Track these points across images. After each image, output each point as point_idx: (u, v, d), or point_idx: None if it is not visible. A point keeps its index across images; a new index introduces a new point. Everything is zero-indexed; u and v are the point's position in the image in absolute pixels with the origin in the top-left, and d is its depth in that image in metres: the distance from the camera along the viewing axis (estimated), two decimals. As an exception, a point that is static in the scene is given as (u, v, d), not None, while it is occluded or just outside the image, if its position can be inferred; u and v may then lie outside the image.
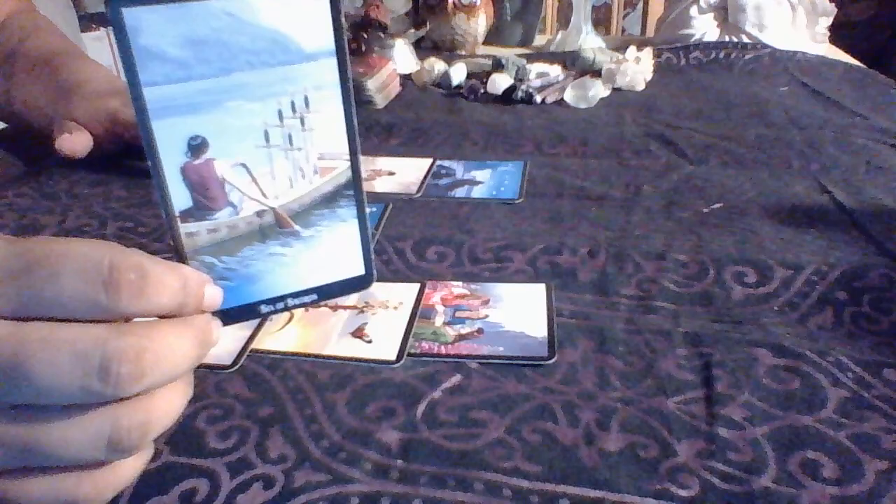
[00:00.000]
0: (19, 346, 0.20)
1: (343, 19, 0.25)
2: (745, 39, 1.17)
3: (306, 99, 0.25)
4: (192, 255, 0.25)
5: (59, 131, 0.61)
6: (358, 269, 0.29)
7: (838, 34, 1.27)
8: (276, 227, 0.26)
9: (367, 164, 0.67)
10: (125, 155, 0.65)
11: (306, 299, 0.28)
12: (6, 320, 0.21)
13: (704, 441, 0.32)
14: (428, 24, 1.22)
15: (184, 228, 0.25)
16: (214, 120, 0.24)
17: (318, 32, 0.25)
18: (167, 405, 0.23)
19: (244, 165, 0.25)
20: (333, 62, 0.25)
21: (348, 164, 0.27)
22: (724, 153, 0.70)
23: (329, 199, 0.27)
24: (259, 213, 0.26)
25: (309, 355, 0.38)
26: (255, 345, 0.39)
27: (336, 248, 0.28)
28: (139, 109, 0.23)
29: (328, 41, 0.25)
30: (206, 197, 0.25)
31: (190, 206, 0.25)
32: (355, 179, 0.27)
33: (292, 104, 0.25)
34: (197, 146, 0.24)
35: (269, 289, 0.27)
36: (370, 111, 0.86)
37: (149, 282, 0.22)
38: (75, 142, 0.60)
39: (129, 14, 0.21)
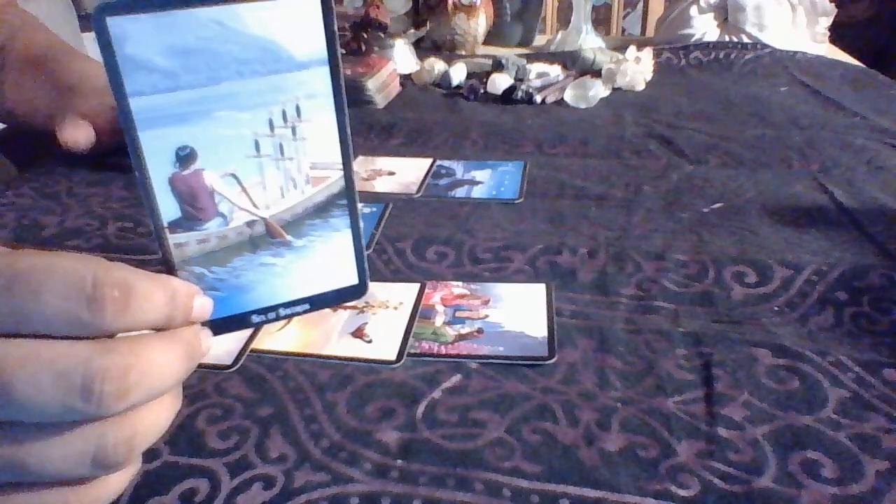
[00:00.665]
0: (0, 364, 0.20)
1: (335, 26, 0.25)
2: (745, 39, 1.17)
3: (298, 108, 0.25)
4: (181, 265, 0.25)
5: (61, 124, 0.61)
6: (351, 279, 0.28)
7: (838, 34, 1.27)
8: (268, 237, 0.26)
9: (367, 164, 0.67)
10: (126, 155, 0.65)
11: (298, 309, 0.27)
12: None
13: (704, 441, 0.32)
14: (428, 24, 1.22)
15: (173, 239, 0.24)
16: (203, 130, 0.23)
17: (309, 40, 0.24)
18: (154, 419, 0.23)
19: (234, 176, 0.25)
20: (326, 70, 0.25)
21: (341, 173, 0.27)
22: (724, 153, 0.70)
23: (321, 209, 0.27)
24: (249, 224, 0.26)
25: (309, 355, 0.38)
26: (255, 345, 0.39)
27: (329, 258, 0.27)
28: (125, 120, 0.22)
29: (320, 49, 0.24)
30: (195, 207, 0.24)
31: (179, 217, 0.24)
32: (348, 189, 0.27)
33: (283, 113, 0.25)
34: (185, 156, 0.24)
35: (261, 299, 0.26)
36: (370, 111, 0.86)
37: (133, 297, 0.21)
38: (78, 133, 0.60)
39: (114, 23, 0.21)
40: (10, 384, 0.20)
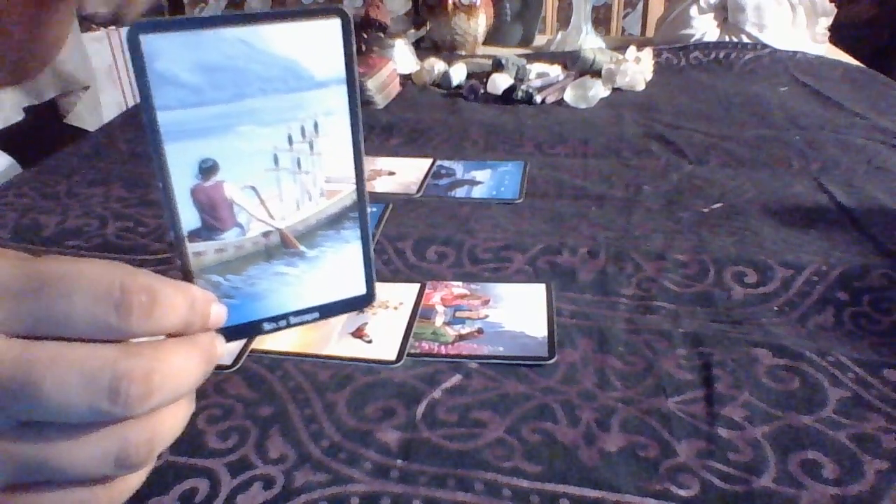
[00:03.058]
0: (29, 366, 0.20)
1: (354, 48, 0.26)
2: (745, 39, 1.17)
3: (316, 124, 0.26)
4: (198, 273, 0.26)
5: None
6: (359, 289, 0.29)
7: (838, 34, 1.27)
8: (282, 247, 0.27)
9: (368, 164, 0.67)
10: (127, 156, 0.65)
11: (308, 317, 0.28)
12: (17, 339, 0.21)
13: (704, 441, 0.32)
14: (428, 24, 1.22)
15: (192, 248, 0.25)
16: (225, 144, 0.24)
17: (329, 60, 0.25)
18: (172, 421, 0.23)
19: (253, 188, 0.25)
20: (344, 89, 0.26)
21: (354, 187, 0.28)
22: (724, 153, 0.70)
23: (334, 221, 0.28)
24: (265, 234, 0.26)
25: (309, 355, 0.38)
26: (255, 345, 0.39)
27: (339, 269, 0.28)
28: (152, 132, 0.23)
29: (339, 69, 0.25)
30: (214, 218, 0.25)
31: (198, 227, 0.25)
32: (360, 202, 0.28)
33: (302, 129, 0.25)
34: (208, 169, 0.24)
35: (273, 307, 0.27)
36: (370, 111, 0.86)
37: (158, 303, 0.22)
38: None
39: (147, 40, 0.22)
40: (40, 385, 0.20)
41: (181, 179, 0.24)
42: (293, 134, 0.25)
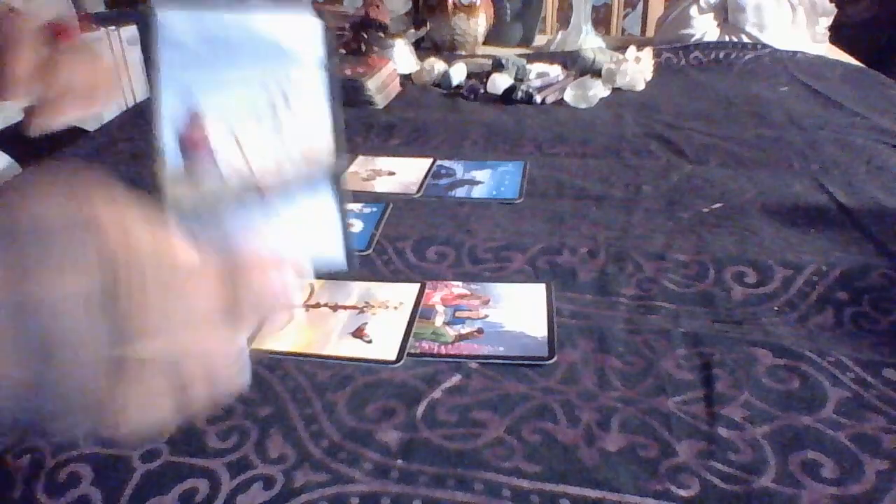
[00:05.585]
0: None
1: (332, 34, 0.30)
2: (745, 39, 1.17)
3: (296, 93, 0.29)
4: (177, 218, 0.27)
5: None
6: (336, 251, 0.31)
7: (838, 34, 1.27)
8: (259, 198, 0.29)
9: (367, 164, 0.67)
10: (127, 156, 0.65)
11: None
12: None
13: (704, 441, 0.32)
14: (428, 24, 1.22)
15: (173, 192, 0.28)
16: (216, 101, 0.28)
17: (310, 45, 0.29)
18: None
19: (237, 141, 0.28)
20: (322, 64, 0.29)
21: (331, 158, 0.30)
22: (724, 153, 0.69)
23: (310, 181, 0.30)
24: (245, 186, 0.29)
25: (309, 355, 0.38)
26: (255, 345, 0.39)
27: (314, 228, 0.30)
28: (153, 86, 0.27)
29: (318, 52, 0.29)
30: (197, 165, 0.28)
31: (181, 172, 0.28)
32: (336, 174, 0.30)
33: (284, 95, 0.29)
34: (197, 121, 0.28)
35: None
36: (370, 111, 0.86)
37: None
38: None
39: (162, 13, 0.27)
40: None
41: (171, 126, 0.28)
42: (277, 99, 0.29)
